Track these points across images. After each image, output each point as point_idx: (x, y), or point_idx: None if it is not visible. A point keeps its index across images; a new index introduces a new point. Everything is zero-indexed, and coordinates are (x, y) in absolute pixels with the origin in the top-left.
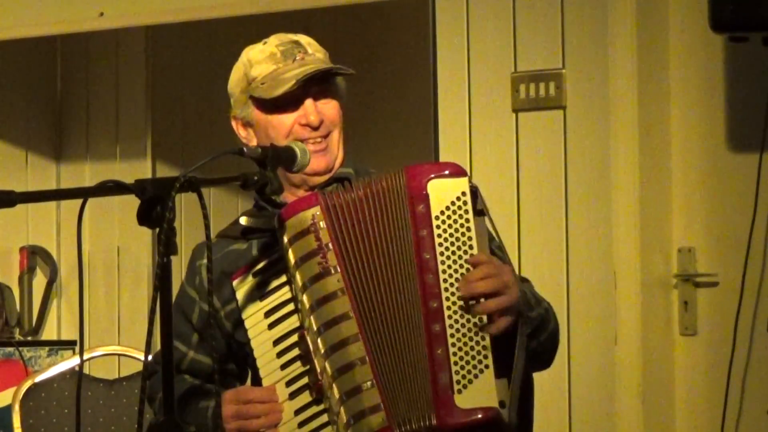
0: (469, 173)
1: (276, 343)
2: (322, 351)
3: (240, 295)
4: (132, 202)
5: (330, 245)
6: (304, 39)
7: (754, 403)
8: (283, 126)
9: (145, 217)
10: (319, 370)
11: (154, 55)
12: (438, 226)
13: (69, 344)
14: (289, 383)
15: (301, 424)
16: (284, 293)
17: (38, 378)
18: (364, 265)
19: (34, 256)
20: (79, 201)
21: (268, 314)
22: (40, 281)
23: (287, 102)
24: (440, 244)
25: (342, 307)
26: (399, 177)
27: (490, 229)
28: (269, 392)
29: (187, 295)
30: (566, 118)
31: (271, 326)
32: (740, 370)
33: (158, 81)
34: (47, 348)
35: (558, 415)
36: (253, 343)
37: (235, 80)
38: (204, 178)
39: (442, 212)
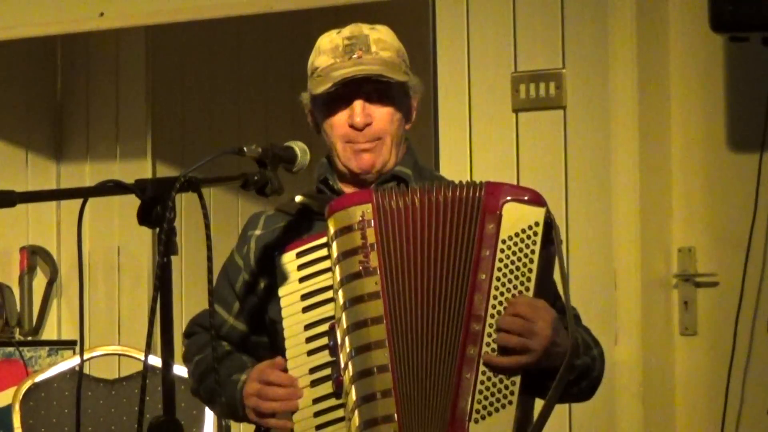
0: (547, 203)
1: (307, 327)
2: (348, 350)
3: (281, 271)
4: (132, 202)
5: (375, 246)
6: (376, 34)
7: (754, 403)
8: (334, 124)
9: (145, 217)
10: (342, 366)
11: (154, 55)
12: (502, 250)
13: (69, 344)
14: (312, 370)
15: (317, 414)
16: (324, 280)
17: (38, 378)
18: (407, 272)
19: (34, 256)
20: (79, 201)
21: (304, 297)
22: (40, 281)
23: (340, 100)
24: (499, 269)
25: (374, 311)
26: (477, 190)
27: (557, 261)
28: (290, 379)
29: (235, 263)
30: (566, 118)
31: (305, 310)
32: (740, 370)
33: (158, 81)
34: (47, 348)
35: (558, 415)
36: (285, 323)
37: (308, 64)
38: (204, 178)
39: (510, 237)
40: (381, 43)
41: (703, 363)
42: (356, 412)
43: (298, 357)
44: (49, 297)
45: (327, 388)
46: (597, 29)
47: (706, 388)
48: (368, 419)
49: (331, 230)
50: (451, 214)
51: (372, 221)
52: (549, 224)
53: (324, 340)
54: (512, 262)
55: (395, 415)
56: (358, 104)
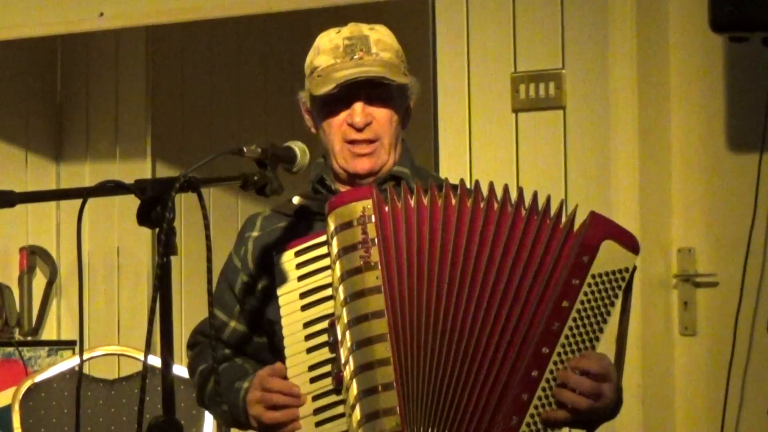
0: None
1: (306, 325)
2: (349, 344)
3: (279, 271)
4: (132, 202)
5: (375, 240)
6: (375, 35)
7: (754, 403)
8: (333, 124)
9: (145, 217)
10: (343, 362)
11: (154, 55)
12: (590, 284)
13: (69, 344)
14: (312, 368)
15: (317, 411)
16: (323, 278)
17: (38, 378)
18: (411, 267)
19: (34, 256)
20: (79, 201)
21: (303, 295)
22: (40, 281)
23: (339, 101)
24: (582, 302)
25: (375, 305)
26: (580, 217)
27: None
28: (290, 386)
29: (233, 265)
30: (566, 118)
31: (304, 308)
32: (740, 370)
33: (158, 81)
34: (47, 348)
35: None
36: (283, 321)
37: (306, 62)
38: (204, 178)
39: (600, 275)
40: (381, 43)
41: (702, 363)
42: (357, 406)
43: (297, 355)
44: (48, 297)
45: (326, 384)
46: (597, 29)
47: (706, 388)
48: (370, 412)
49: (332, 226)
50: (514, 226)
51: (373, 216)
52: (633, 272)
53: (323, 338)
54: (596, 299)
55: (397, 408)
56: (358, 106)
